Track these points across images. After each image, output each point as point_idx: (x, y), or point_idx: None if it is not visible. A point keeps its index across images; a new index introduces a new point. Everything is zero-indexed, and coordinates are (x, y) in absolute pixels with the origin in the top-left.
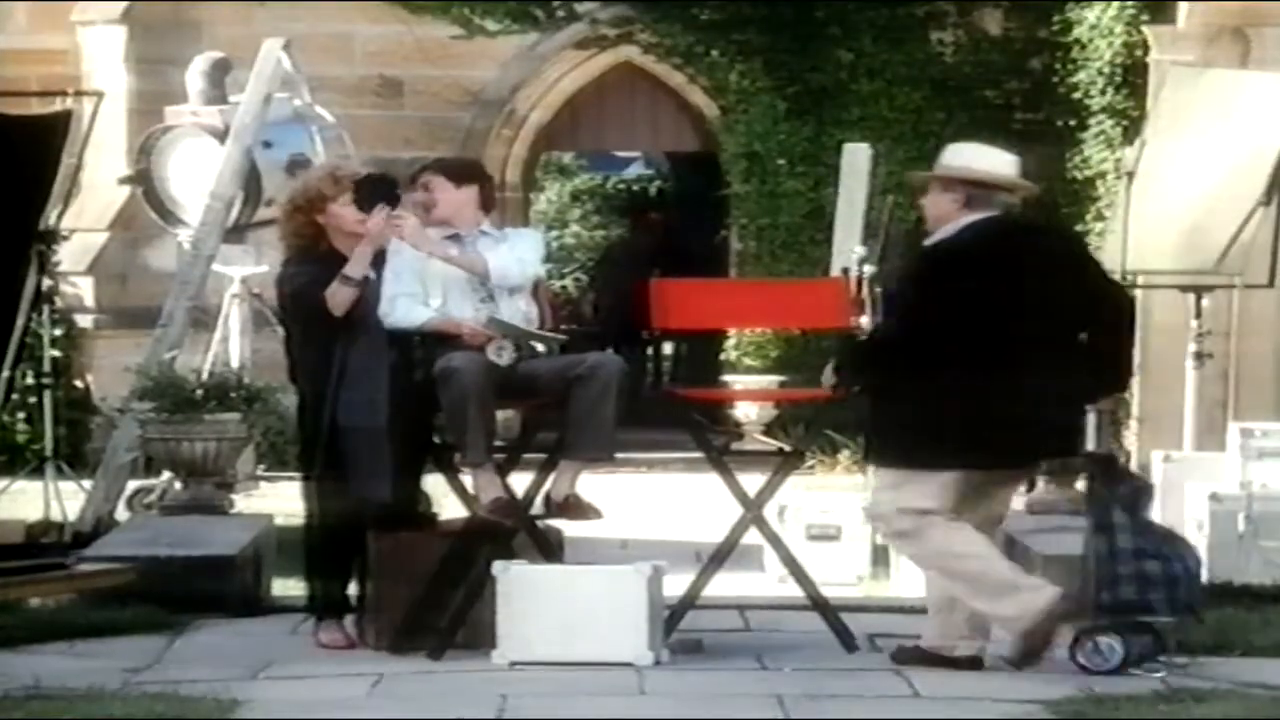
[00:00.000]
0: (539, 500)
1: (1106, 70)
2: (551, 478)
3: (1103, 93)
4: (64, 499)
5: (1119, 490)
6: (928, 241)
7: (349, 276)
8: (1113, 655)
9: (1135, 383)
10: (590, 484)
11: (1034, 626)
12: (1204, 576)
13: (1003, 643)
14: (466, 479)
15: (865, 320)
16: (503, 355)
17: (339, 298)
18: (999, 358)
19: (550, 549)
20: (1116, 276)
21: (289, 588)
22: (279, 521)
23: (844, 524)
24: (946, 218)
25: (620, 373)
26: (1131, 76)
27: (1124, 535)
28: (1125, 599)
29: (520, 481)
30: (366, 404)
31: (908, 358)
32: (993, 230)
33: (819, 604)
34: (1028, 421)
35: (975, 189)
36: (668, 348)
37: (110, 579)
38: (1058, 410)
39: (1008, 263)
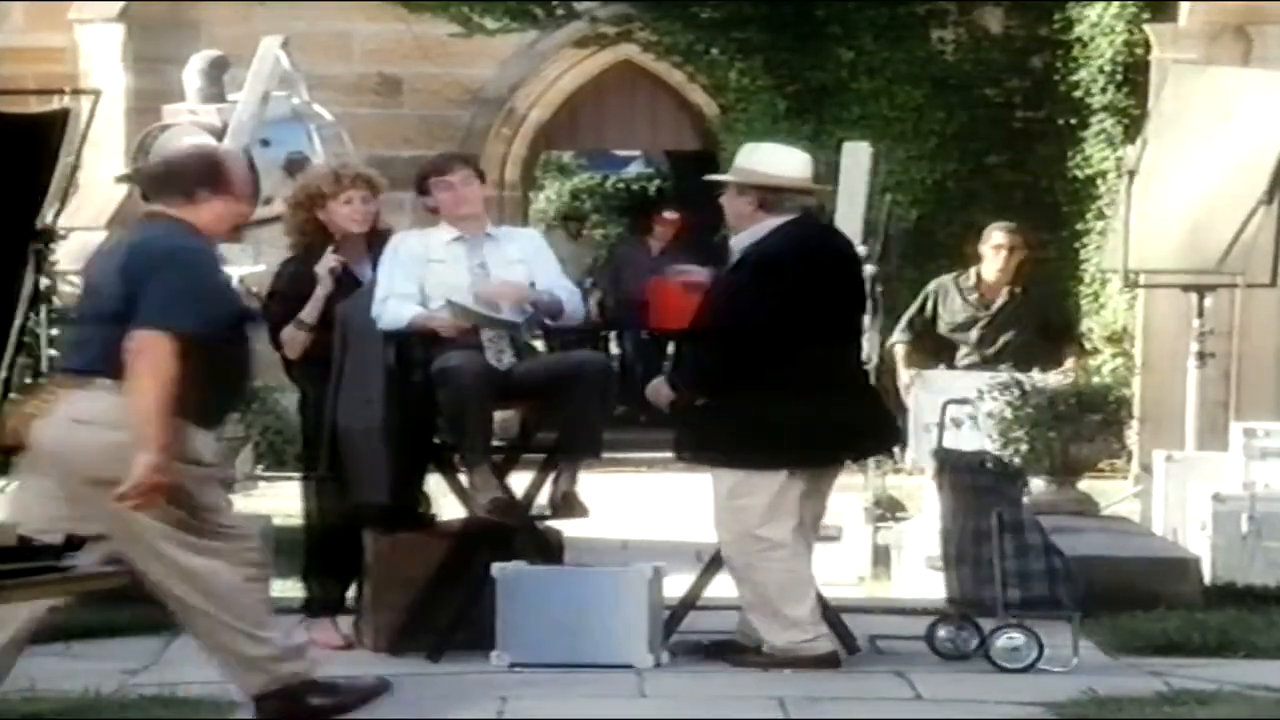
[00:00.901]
0: (539, 500)
1: (1108, 68)
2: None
3: (1104, 91)
4: None
5: (1020, 486)
6: (737, 244)
7: (303, 321)
8: (1028, 653)
9: (1137, 382)
10: (591, 483)
11: (784, 660)
12: (1207, 577)
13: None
14: (465, 479)
15: (866, 319)
16: (502, 359)
17: (294, 342)
18: (825, 358)
19: (550, 550)
20: (1119, 276)
21: (287, 589)
22: (277, 522)
23: (845, 524)
24: (744, 220)
25: (605, 372)
26: (1133, 75)
27: (1033, 532)
28: (1037, 595)
29: (520, 482)
30: (363, 405)
31: (746, 363)
32: (805, 233)
33: (822, 607)
34: (860, 417)
35: (769, 193)
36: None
37: (103, 581)
38: (882, 405)
39: (827, 264)
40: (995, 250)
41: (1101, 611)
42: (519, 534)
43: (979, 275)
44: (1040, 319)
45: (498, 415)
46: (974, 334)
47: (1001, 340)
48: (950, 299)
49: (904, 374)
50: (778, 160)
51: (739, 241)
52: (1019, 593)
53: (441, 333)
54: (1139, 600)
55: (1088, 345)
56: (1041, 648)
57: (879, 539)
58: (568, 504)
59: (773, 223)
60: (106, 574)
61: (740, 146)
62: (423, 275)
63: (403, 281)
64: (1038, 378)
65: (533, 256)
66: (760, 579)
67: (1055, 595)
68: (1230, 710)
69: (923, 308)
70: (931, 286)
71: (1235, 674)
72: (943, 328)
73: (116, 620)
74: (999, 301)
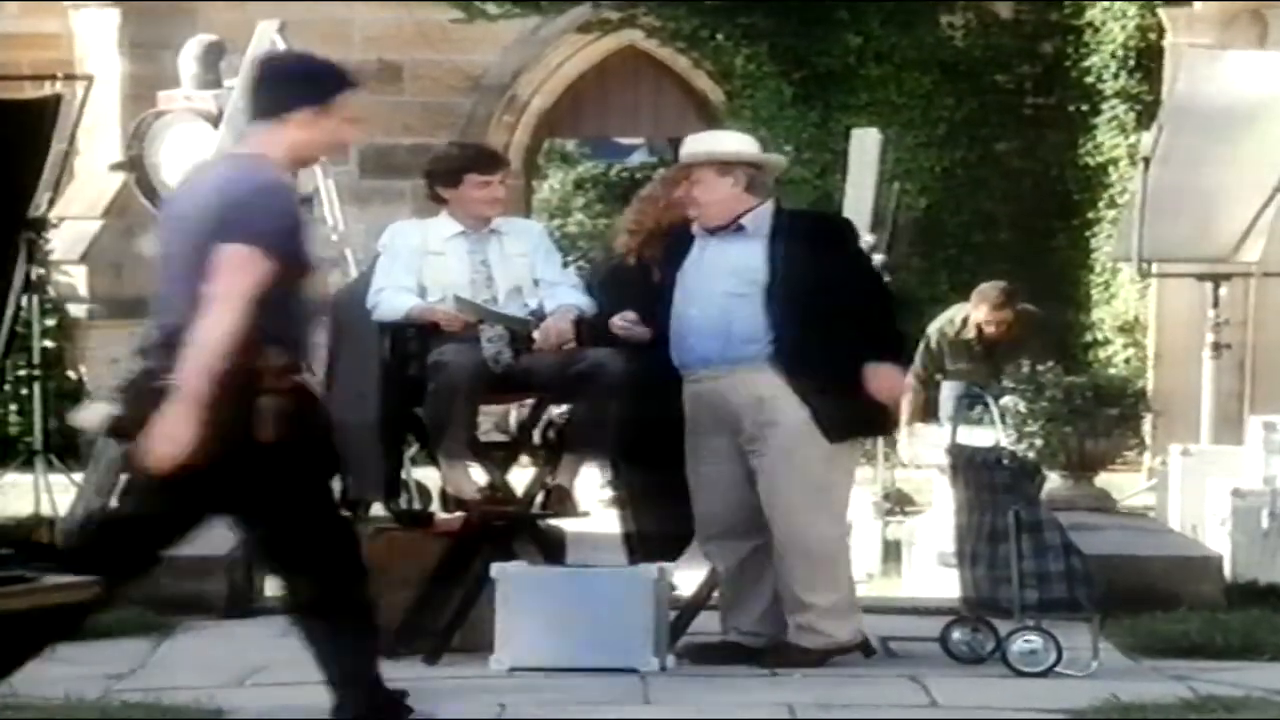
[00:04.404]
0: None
1: (1120, 54)
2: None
3: (1116, 77)
4: (55, 493)
5: (1037, 483)
6: (750, 222)
7: None
8: (1046, 656)
9: (1150, 374)
10: (592, 477)
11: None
12: (1228, 575)
13: None
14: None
15: None
16: (500, 358)
17: None
18: None
19: (552, 549)
20: (1132, 265)
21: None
22: None
23: (853, 519)
24: (729, 203)
25: (624, 373)
26: (1145, 60)
27: (1052, 531)
28: (1056, 597)
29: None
30: (357, 399)
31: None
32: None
33: None
34: None
35: (753, 170)
36: None
37: (75, 593)
38: None
39: None
40: (992, 310)
41: (1121, 612)
42: (519, 532)
43: (979, 328)
44: (1038, 349)
45: (497, 409)
46: (980, 371)
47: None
48: (950, 348)
49: (903, 428)
50: (745, 140)
51: (751, 220)
52: (1037, 594)
53: (444, 326)
54: (1159, 600)
55: (1097, 336)
56: (1060, 651)
57: (889, 534)
58: (560, 500)
59: (770, 203)
60: (77, 586)
61: (746, 133)
62: (420, 268)
63: (401, 273)
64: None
65: (534, 250)
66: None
67: (1074, 597)
68: (1259, 716)
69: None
70: (929, 334)
71: (1261, 678)
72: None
73: (104, 621)
74: (1001, 346)
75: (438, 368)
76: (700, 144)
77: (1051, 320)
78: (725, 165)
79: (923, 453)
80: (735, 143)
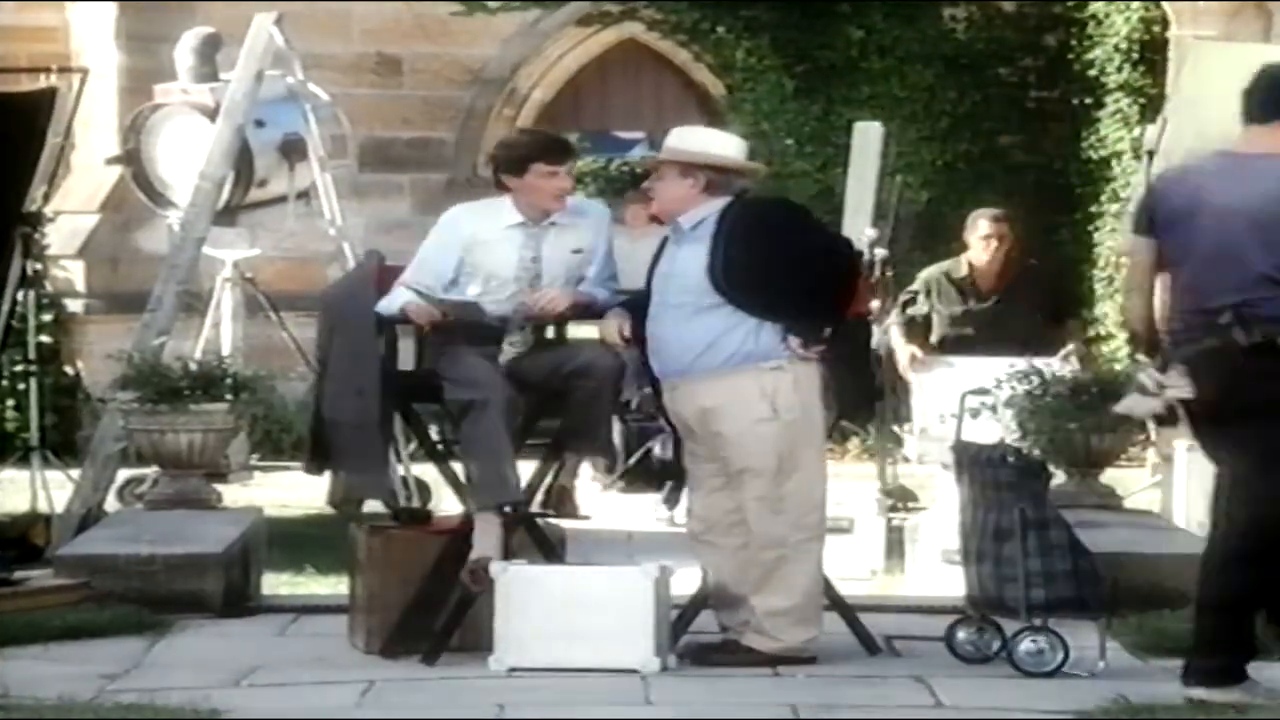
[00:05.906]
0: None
1: (1124, 46)
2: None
3: (1119, 70)
4: (53, 489)
5: (1043, 481)
6: (687, 221)
7: None
8: (1053, 657)
9: None
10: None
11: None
12: None
13: None
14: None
15: (877, 304)
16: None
17: None
18: None
19: (551, 548)
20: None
21: (279, 584)
22: (270, 513)
23: (856, 516)
24: (683, 203)
25: (616, 371)
26: (1149, 53)
27: (1058, 530)
28: (1062, 596)
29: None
30: (353, 396)
31: None
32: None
33: (837, 605)
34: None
35: (715, 174)
36: None
37: (60, 596)
38: None
39: None
40: (984, 241)
41: (1128, 610)
42: (519, 531)
43: (970, 265)
44: (1040, 303)
45: None
46: (970, 329)
47: (1002, 331)
48: (945, 293)
49: (902, 351)
50: (721, 142)
51: (689, 219)
52: (1043, 593)
53: (414, 319)
54: (1167, 598)
55: (1101, 331)
56: (1067, 651)
57: (892, 530)
58: (562, 502)
59: (723, 200)
60: (62, 589)
61: (747, 127)
62: (463, 256)
63: (426, 270)
64: (1039, 363)
65: (591, 244)
66: (811, 570)
67: (1081, 596)
68: (1268, 717)
69: (915, 300)
70: (922, 279)
71: (1270, 678)
72: (939, 323)
73: (98, 621)
74: (996, 294)
75: (470, 401)
76: (670, 139)
77: (1049, 272)
78: (687, 165)
79: (932, 450)
80: (702, 142)
